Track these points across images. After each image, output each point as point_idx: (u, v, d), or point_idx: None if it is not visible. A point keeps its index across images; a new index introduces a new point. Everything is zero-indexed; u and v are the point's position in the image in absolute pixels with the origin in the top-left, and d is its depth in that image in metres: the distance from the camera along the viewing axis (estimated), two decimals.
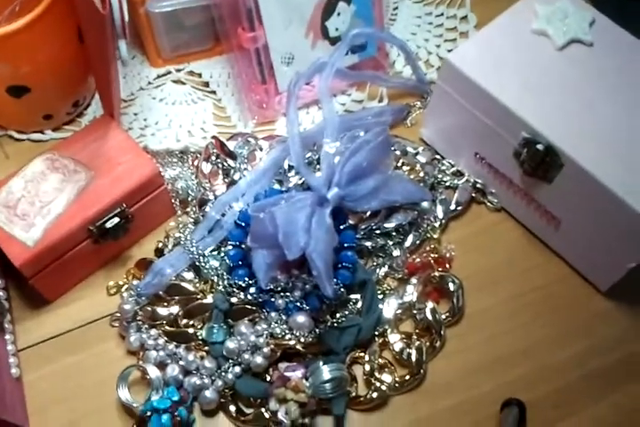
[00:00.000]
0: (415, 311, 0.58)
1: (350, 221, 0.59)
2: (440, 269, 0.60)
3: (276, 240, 0.49)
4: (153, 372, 0.53)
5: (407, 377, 0.56)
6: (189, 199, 0.62)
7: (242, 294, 0.55)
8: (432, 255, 0.60)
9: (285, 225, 0.49)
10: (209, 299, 0.56)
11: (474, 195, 0.64)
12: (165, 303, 0.56)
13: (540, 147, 0.54)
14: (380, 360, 0.56)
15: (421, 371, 0.56)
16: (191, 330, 0.55)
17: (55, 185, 0.54)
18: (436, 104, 0.63)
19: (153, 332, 0.55)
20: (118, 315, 0.56)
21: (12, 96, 0.59)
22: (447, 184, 0.64)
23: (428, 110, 0.66)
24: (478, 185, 0.64)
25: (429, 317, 0.57)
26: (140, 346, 0.55)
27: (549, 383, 0.57)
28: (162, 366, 0.54)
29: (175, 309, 0.56)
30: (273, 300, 0.55)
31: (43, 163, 0.55)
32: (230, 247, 0.57)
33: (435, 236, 0.62)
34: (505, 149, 0.57)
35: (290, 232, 0.49)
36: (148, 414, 0.51)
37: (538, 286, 0.61)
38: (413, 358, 0.56)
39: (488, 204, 0.64)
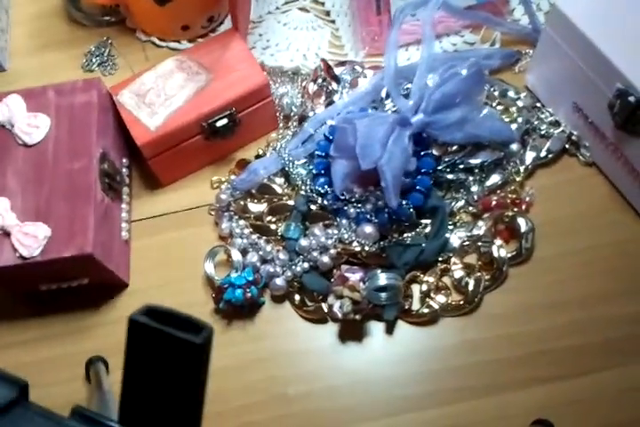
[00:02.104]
0: (480, 244, 0.60)
1: (435, 152, 0.61)
2: (516, 209, 0.61)
3: (355, 151, 0.54)
4: (236, 255, 0.60)
5: (461, 302, 0.58)
6: (292, 115, 0.67)
7: (320, 199, 0.60)
8: (510, 196, 0.62)
9: (364, 137, 0.53)
10: (292, 201, 0.62)
11: (567, 146, 0.64)
12: (256, 200, 0.63)
13: (631, 99, 0.53)
14: (438, 283, 0.59)
15: (476, 300, 0.58)
16: (273, 226, 0.62)
17: (180, 82, 0.61)
18: (542, 50, 0.64)
19: (241, 222, 0.62)
20: (216, 205, 0.63)
21: (158, 4, 0.66)
22: (542, 133, 0.64)
23: (534, 56, 0.66)
24: (573, 137, 0.64)
25: (494, 252, 0.59)
26: (229, 233, 0.62)
27: (602, 333, 0.57)
28: (244, 252, 0.61)
29: (262, 206, 0.62)
30: (346, 208, 0.59)
31: (172, 62, 0.62)
32: (317, 158, 0.62)
33: (518, 179, 0.63)
34: (601, 100, 0.57)
35: (367, 144, 0.53)
36: (226, 286, 0.57)
37: (612, 242, 0.60)
38: (471, 286, 0.58)
39: (580, 157, 0.64)
